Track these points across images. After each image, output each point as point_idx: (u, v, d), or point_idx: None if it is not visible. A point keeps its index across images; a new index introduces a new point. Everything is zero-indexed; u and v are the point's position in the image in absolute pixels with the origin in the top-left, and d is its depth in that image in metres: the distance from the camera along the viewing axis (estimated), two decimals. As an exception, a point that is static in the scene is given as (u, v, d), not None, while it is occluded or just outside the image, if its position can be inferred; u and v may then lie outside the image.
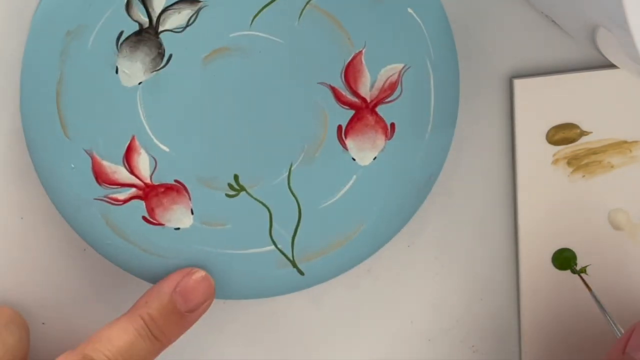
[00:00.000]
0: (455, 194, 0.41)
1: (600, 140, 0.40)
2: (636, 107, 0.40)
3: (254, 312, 0.41)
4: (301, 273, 0.38)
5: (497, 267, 0.42)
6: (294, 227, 0.37)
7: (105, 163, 0.35)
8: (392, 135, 0.37)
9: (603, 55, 0.32)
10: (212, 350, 0.41)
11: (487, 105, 0.40)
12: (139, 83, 0.35)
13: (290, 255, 0.37)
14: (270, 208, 0.37)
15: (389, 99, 0.36)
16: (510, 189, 0.41)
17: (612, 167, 0.40)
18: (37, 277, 0.39)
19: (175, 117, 0.35)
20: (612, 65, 0.35)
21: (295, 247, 0.37)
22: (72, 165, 0.35)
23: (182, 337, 0.40)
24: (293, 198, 0.37)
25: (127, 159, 0.35)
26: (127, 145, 0.35)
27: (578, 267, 0.41)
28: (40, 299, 0.39)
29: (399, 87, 0.36)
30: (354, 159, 0.37)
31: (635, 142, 0.40)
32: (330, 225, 0.37)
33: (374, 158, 0.37)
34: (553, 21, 0.37)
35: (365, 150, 0.37)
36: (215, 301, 0.40)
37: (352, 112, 0.36)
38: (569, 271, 0.41)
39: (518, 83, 0.39)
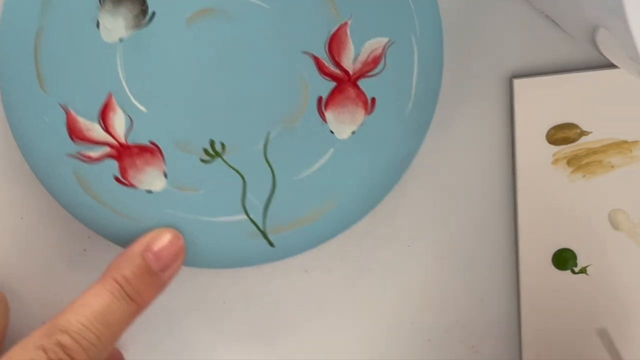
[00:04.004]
0: (455, 194, 0.41)
1: (600, 140, 0.39)
2: (636, 107, 0.39)
3: (254, 311, 0.41)
4: (271, 244, 0.36)
5: (497, 267, 0.41)
6: (267, 197, 0.36)
7: (80, 119, 0.34)
8: (372, 110, 0.36)
9: (603, 55, 0.32)
10: (212, 350, 0.41)
11: (487, 105, 0.39)
12: (120, 39, 0.34)
13: (261, 226, 0.36)
14: (244, 176, 0.36)
15: (371, 73, 0.35)
16: (510, 189, 0.41)
17: (612, 167, 0.40)
18: (37, 277, 0.39)
19: (154, 77, 0.34)
20: (612, 65, 0.36)
21: (267, 217, 0.36)
22: (46, 119, 0.34)
23: (181, 336, 0.40)
24: (268, 168, 0.36)
25: (103, 116, 0.34)
26: (103, 102, 0.34)
27: (578, 267, 0.41)
28: (40, 298, 0.39)
29: (382, 61, 0.35)
30: (332, 132, 0.36)
31: (635, 142, 0.39)
32: (304, 198, 0.36)
33: (353, 132, 0.36)
34: (553, 21, 0.37)
35: (344, 123, 0.36)
36: (214, 300, 0.40)
37: (333, 84, 0.35)
38: (569, 271, 0.41)
39: (518, 83, 0.38)
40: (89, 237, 0.38)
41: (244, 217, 0.36)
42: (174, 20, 0.34)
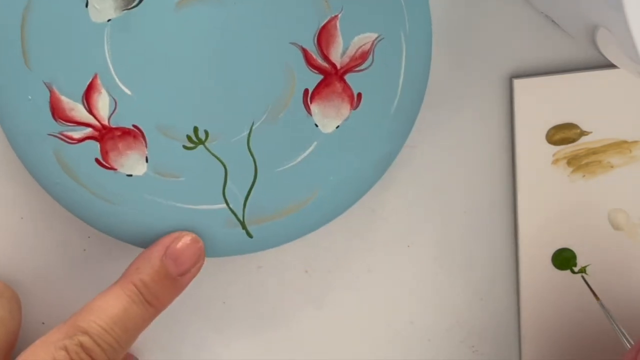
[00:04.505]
0: (455, 194, 0.41)
1: (600, 140, 0.39)
2: (636, 107, 0.39)
3: (254, 311, 0.41)
4: (250, 235, 0.36)
5: (497, 267, 0.41)
6: (248, 187, 0.36)
7: (64, 98, 0.34)
8: (357, 106, 0.36)
9: (603, 55, 0.32)
10: (212, 350, 0.41)
11: (487, 105, 0.39)
12: (108, 20, 0.33)
13: (240, 216, 0.36)
14: (226, 165, 0.35)
15: (359, 68, 0.35)
16: (510, 189, 0.41)
17: (612, 167, 0.40)
18: (37, 277, 0.39)
19: (141, 60, 0.34)
20: (612, 65, 0.36)
21: (247, 208, 0.36)
22: (29, 97, 0.33)
23: (180, 336, 0.40)
24: (251, 158, 0.35)
25: (87, 97, 0.34)
26: (88, 83, 0.34)
27: (578, 267, 0.41)
28: (40, 298, 0.39)
29: (370, 57, 0.35)
30: (316, 125, 0.36)
31: (635, 142, 0.39)
32: (284, 190, 0.36)
33: (337, 127, 0.36)
34: (553, 21, 0.37)
35: (329, 117, 0.36)
36: (214, 300, 0.40)
37: (320, 77, 0.35)
38: (569, 271, 0.41)
39: (518, 83, 0.38)
40: (89, 237, 0.38)
41: (224, 206, 0.36)
42: (164, 3, 0.33)
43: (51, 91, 0.34)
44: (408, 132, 0.36)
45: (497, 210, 0.40)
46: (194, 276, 0.35)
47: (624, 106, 0.39)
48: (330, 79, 0.35)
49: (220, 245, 0.36)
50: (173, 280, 0.34)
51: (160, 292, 0.34)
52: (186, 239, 0.35)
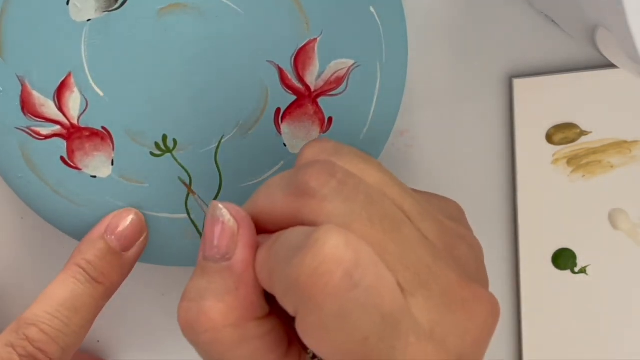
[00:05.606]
0: (455, 194, 0.41)
1: (600, 140, 0.39)
2: (636, 107, 0.39)
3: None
4: None
5: (497, 267, 0.42)
6: (211, 200, 0.35)
7: (35, 93, 0.34)
8: (327, 129, 0.36)
9: (603, 55, 0.32)
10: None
11: (487, 105, 0.39)
12: (88, 20, 0.33)
13: (201, 228, 0.36)
14: (191, 176, 0.35)
15: (332, 93, 0.35)
16: (510, 189, 0.41)
17: (612, 167, 0.40)
18: (37, 277, 0.39)
19: (116, 63, 0.34)
20: (612, 65, 0.36)
21: None
22: (0, 88, 0.34)
23: (181, 336, 0.40)
24: (217, 171, 0.35)
25: (59, 94, 0.34)
26: (61, 80, 0.34)
27: (578, 267, 0.41)
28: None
29: (344, 82, 0.35)
30: (285, 145, 0.36)
31: (635, 142, 0.40)
32: None
33: None
34: (553, 21, 0.37)
35: (298, 138, 0.36)
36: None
37: (293, 98, 0.35)
38: (569, 271, 0.41)
39: (518, 83, 0.38)
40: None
41: (185, 216, 0.36)
42: (146, 9, 0.33)
43: (23, 85, 0.34)
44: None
45: (497, 210, 0.40)
46: (140, 250, 0.35)
47: (624, 106, 0.39)
48: (303, 100, 0.35)
49: (177, 255, 0.36)
50: (117, 256, 0.34)
51: (105, 269, 0.34)
52: (126, 215, 0.35)
